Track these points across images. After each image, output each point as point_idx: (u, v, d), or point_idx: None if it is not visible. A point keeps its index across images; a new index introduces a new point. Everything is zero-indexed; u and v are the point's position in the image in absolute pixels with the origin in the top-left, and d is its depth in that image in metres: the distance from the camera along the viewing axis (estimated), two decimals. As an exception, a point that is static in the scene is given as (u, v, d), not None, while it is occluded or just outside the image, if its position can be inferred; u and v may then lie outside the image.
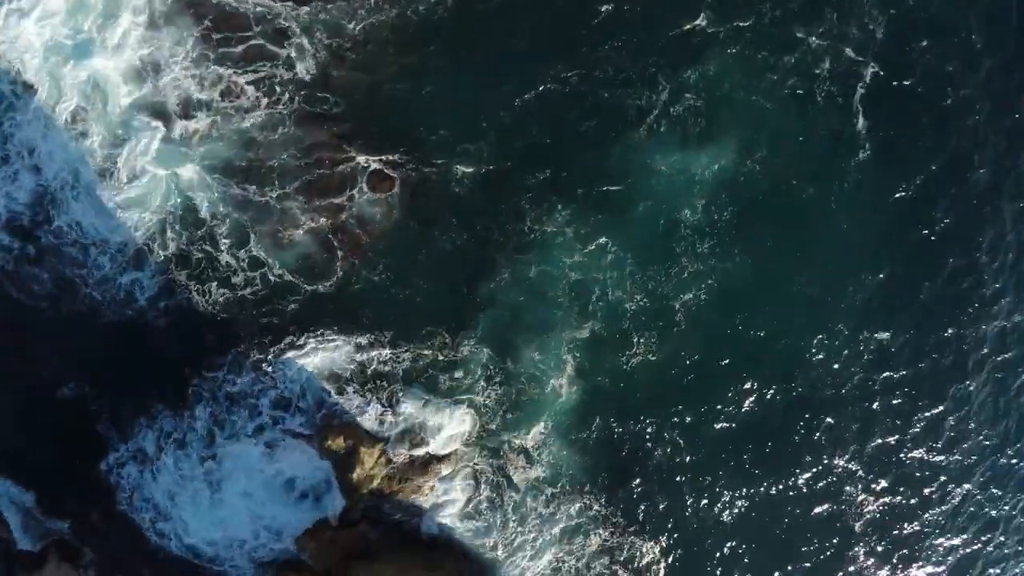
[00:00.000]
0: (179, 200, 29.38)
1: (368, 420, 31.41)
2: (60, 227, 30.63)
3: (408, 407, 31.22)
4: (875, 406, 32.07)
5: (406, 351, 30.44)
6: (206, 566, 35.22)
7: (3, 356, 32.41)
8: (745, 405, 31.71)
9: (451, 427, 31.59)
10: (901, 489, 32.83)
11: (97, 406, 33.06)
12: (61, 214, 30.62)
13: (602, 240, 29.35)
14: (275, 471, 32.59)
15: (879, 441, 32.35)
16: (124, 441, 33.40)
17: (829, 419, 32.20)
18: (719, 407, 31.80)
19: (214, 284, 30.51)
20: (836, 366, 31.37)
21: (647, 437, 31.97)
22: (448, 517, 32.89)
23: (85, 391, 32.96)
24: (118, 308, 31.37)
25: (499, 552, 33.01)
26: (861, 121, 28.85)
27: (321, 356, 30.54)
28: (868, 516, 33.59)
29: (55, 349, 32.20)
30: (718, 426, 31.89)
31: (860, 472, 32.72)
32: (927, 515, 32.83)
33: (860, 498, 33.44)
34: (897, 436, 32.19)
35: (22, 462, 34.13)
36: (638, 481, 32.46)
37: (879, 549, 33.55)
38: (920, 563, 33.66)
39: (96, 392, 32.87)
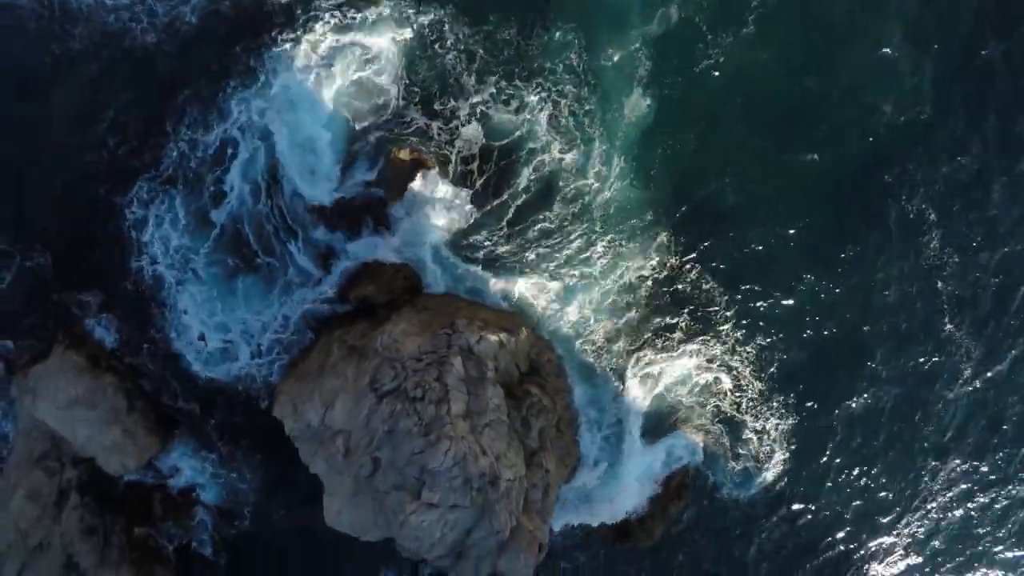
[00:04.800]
0: None
1: (435, 130, 29.02)
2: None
3: (476, 121, 29.09)
4: (944, 171, 30.86)
5: (475, 39, 28.63)
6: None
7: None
8: (816, 135, 29.97)
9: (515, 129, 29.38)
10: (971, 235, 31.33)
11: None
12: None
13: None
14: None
15: (952, 191, 30.95)
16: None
17: (909, 167, 30.58)
18: (787, 132, 30.03)
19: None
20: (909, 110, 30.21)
21: (714, 164, 30.03)
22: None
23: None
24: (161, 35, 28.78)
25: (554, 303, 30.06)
26: None
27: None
28: (949, 267, 31.72)
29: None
30: (787, 158, 30.05)
31: (935, 225, 31.13)
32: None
33: (940, 255, 31.74)
34: (959, 183, 30.79)
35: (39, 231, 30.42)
36: (705, 218, 30.20)
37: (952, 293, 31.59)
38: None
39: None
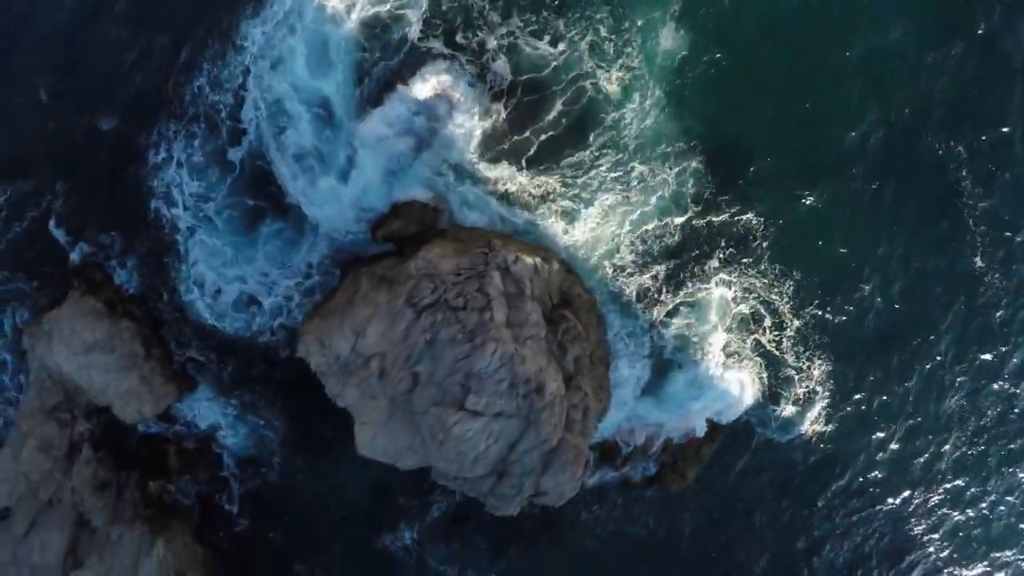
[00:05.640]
0: None
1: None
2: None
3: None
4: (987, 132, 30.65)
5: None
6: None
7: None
8: (856, 71, 29.47)
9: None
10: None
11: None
12: None
13: None
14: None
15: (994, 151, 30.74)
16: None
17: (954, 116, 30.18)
18: (827, 67, 29.58)
19: None
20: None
21: (751, 97, 29.74)
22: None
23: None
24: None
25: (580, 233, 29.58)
26: None
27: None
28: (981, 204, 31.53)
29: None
30: (826, 93, 29.61)
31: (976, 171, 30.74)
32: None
33: (981, 200, 31.39)
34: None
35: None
36: (741, 150, 29.87)
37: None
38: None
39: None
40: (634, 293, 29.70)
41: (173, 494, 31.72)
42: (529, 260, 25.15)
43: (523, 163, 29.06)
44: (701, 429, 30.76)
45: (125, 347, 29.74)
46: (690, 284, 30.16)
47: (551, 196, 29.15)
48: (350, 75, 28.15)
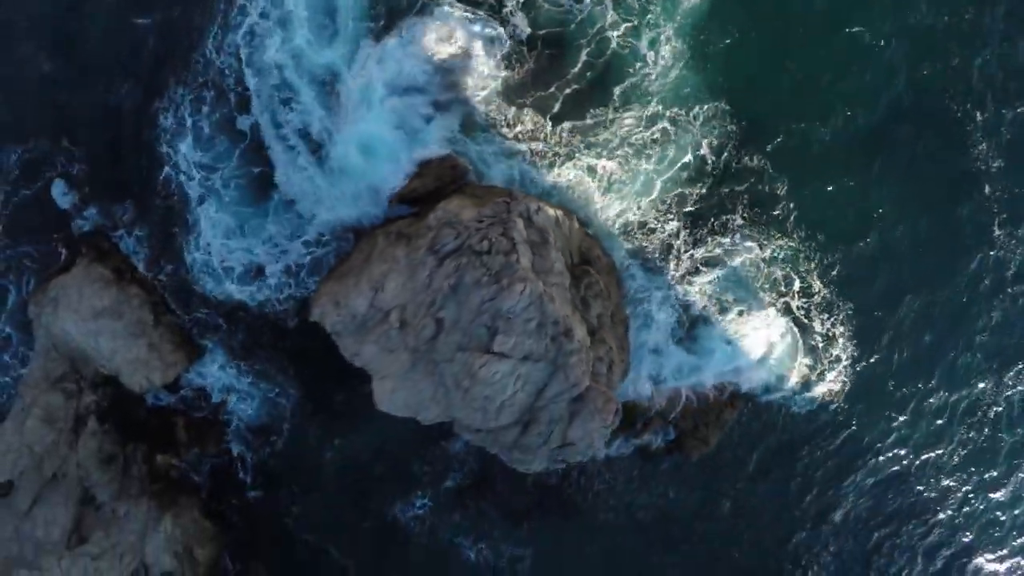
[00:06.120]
0: None
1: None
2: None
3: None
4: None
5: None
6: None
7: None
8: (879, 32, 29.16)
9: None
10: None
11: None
12: None
13: None
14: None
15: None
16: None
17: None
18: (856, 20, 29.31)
19: None
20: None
21: (772, 55, 29.32)
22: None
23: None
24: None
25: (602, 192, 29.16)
26: None
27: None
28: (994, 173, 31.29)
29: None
30: (850, 47, 29.22)
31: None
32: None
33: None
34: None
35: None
36: (766, 109, 29.50)
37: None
38: None
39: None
40: (657, 251, 29.27)
41: (182, 468, 30.82)
42: (552, 212, 24.75)
43: (545, 119, 28.61)
44: (721, 389, 30.19)
45: (133, 314, 29.10)
46: (713, 243, 29.68)
47: (573, 153, 28.70)
48: (358, 40, 27.71)
